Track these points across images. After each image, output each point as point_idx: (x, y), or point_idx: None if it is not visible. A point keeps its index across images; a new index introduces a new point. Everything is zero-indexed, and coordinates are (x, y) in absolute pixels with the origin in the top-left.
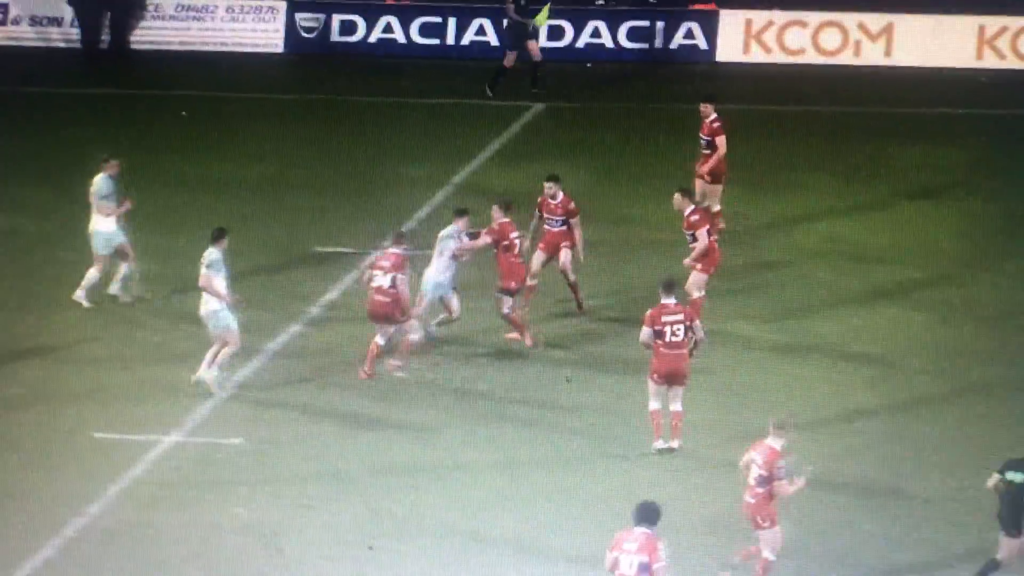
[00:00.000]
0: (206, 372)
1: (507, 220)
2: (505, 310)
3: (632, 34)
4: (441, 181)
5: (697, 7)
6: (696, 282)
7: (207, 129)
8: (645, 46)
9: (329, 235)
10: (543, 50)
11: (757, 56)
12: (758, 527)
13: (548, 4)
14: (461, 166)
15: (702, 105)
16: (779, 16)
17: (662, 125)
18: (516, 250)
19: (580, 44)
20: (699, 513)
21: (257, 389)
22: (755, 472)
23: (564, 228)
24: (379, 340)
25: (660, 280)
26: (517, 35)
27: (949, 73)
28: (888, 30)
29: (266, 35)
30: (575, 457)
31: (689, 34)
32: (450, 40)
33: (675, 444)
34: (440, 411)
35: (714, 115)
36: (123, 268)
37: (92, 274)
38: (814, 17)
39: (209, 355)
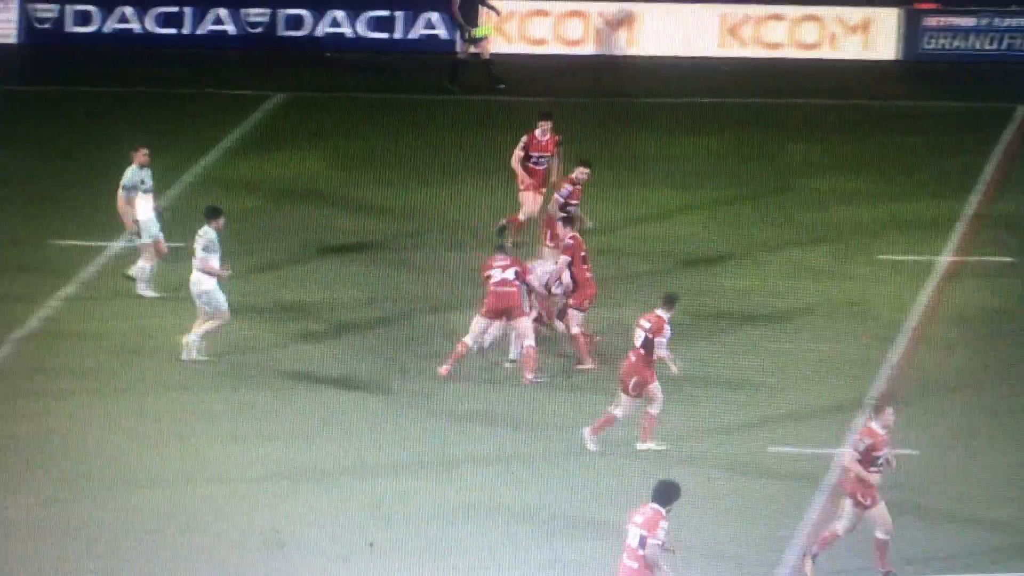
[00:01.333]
0: (191, 335)
1: (575, 232)
2: (575, 329)
3: (373, 24)
4: (180, 172)
5: None
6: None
7: None
8: (386, 36)
9: (65, 228)
10: (291, 38)
11: (499, 47)
12: (860, 506)
13: (492, 18)
14: (201, 156)
15: (541, 122)
16: (521, 6)
17: (403, 115)
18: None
19: (319, 33)
20: None
21: None
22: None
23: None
24: (469, 341)
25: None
26: (462, 34)
27: (692, 62)
28: (630, 20)
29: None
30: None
31: (429, 24)
32: (187, 30)
33: (643, 446)
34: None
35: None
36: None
37: (141, 264)
38: (556, 7)
39: (199, 325)
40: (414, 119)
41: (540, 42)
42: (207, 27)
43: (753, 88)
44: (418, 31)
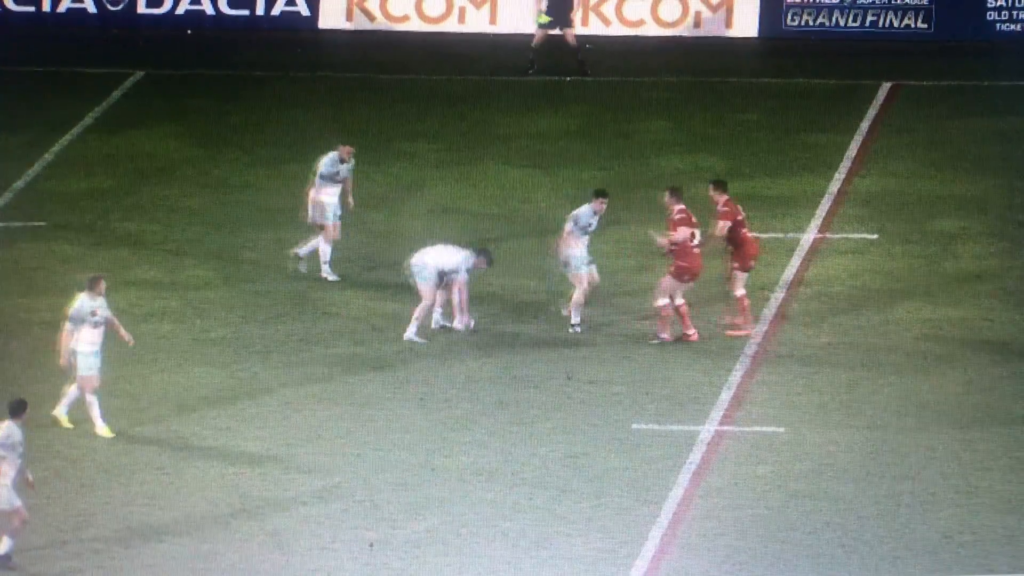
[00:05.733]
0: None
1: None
2: (740, 291)
3: (233, 1)
4: (39, 151)
5: None
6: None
7: None
8: (246, 13)
9: None
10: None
11: (360, 23)
12: None
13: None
14: (60, 135)
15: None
16: None
17: (266, 94)
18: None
19: (180, 11)
20: None
21: None
22: None
23: None
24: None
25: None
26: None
27: (553, 40)
28: None
29: None
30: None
31: (291, 1)
32: (46, 7)
33: None
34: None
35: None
36: (317, 240)
37: (317, 244)
38: None
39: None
40: (275, 97)
41: (402, 19)
42: (66, 5)
43: (612, 66)
44: (279, 8)
